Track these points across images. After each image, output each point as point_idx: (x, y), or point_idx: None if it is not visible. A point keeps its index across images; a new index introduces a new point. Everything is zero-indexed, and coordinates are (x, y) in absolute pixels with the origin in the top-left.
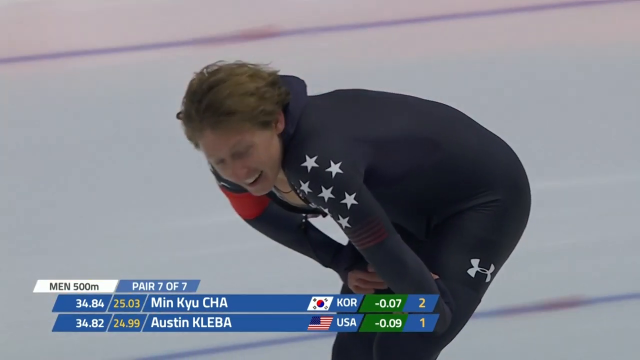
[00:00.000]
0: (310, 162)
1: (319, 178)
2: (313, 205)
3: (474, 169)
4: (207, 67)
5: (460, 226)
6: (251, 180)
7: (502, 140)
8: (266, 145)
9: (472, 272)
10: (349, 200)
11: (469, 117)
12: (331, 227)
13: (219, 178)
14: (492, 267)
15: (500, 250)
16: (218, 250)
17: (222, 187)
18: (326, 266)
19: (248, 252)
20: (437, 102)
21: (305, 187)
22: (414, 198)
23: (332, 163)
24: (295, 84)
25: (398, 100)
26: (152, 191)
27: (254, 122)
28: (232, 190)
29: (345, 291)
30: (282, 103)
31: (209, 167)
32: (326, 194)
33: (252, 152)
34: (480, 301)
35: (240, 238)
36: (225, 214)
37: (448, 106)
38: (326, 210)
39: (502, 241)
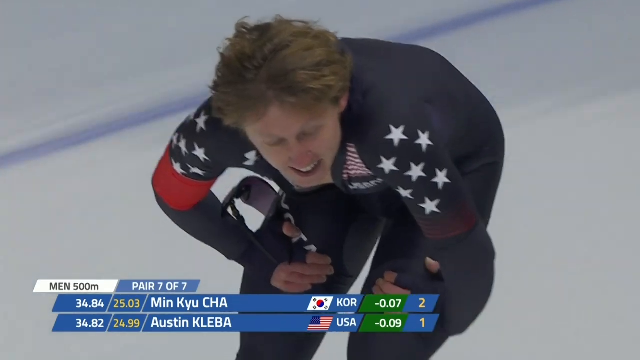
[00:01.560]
0: (397, 134)
1: (409, 152)
2: (356, 187)
3: (481, 125)
4: (243, 26)
5: None
6: (309, 168)
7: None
8: (335, 126)
9: None
10: (441, 178)
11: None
12: None
13: (189, 164)
14: None
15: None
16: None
17: (185, 175)
18: (235, 259)
19: None
20: (418, 46)
21: (388, 164)
22: None
23: (420, 133)
24: None
25: (400, 49)
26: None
27: (328, 99)
28: (202, 178)
29: (249, 287)
30: (351, 73)
31: (182, 152)
32: (416, 172)
33: (320, 134)
34: None
35: None
36: None
37: (432, 50)
38: (407, 193)
39: (489, 212)
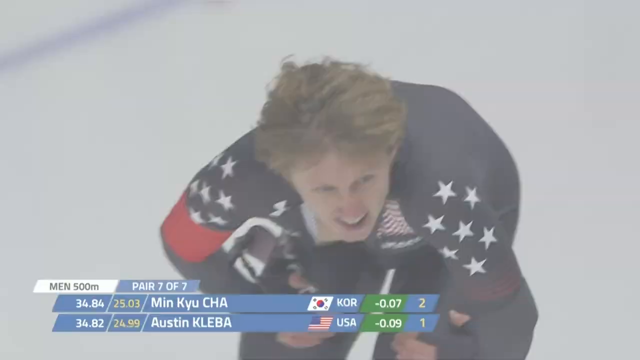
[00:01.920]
0: (445, 191)
1: (457, 211)
2: (389, 246)
3: (502, 170)
4: (291, 65)
5: None
6: (357, 220)
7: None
8: (386, 177)
9: None
10: (488, 237)
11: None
12: None
13: (211, 213)
14: None
15: None
16: None
17: (203, 225)
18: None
19: None
20: (438, 87)
21: (435, 223)
22: None
23: (468, 190)
24: None
25: (424, 91)
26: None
27: (385, 147)
28: (222, 228)
29: (252, 340)
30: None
31: (203, 200)
32: (464, 231)
33: (372, 184)
34: None
35: None
36: None
37: (452, 92)
38: (451, 254)
39: None
